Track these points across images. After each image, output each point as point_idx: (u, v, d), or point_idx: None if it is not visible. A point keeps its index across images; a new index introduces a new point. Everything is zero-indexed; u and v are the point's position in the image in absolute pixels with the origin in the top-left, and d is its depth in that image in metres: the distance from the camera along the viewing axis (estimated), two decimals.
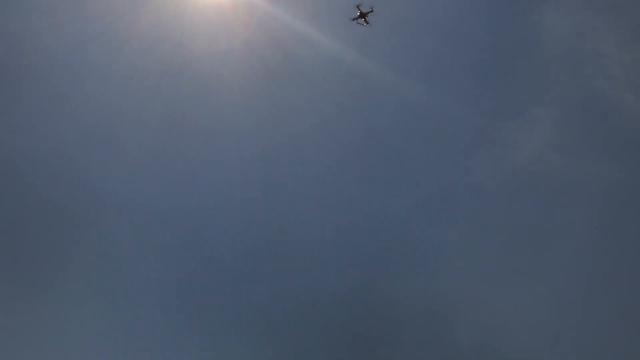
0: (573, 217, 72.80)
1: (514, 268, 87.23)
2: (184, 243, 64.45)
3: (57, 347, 56.00)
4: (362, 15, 47.58)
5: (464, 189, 69.47)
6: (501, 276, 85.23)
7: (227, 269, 63.57)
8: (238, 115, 61.31)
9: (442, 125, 65.00)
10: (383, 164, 67.75)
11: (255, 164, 63.97)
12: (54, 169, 59.92)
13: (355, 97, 61.11)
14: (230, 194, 63.51)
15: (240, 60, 54.86)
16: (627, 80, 56.82)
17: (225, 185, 63.74)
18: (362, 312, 79.13)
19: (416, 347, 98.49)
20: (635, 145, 59.61)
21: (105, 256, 62.09)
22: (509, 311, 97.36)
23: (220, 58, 55.27)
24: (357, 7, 46.77)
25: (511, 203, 72.14)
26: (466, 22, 59.99)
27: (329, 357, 74.51)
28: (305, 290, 72.70)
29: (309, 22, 51.63)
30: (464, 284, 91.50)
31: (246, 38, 52.78)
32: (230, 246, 64.89)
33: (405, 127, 65.35)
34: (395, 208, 72.56)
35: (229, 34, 53.76)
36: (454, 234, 75.45)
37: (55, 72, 56.91)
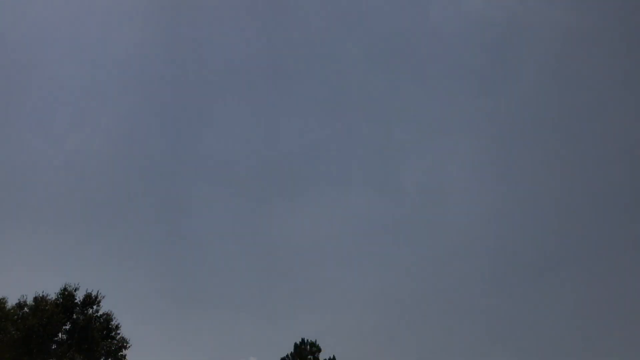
0: (525, 61, 70.44)
1: (460, 113, 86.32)
2: None
3: None
4: None
5: (421, 33, 67.64)
6: (447, 122, 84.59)
7: None
8: None
9: None
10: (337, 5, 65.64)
11: None
12: None
13: None
14: None
15: None
16: None
17: None
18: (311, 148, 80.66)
19: (364, 188, 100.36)
20: None
21: None
22: (452, 157, 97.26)
23: None
24: None
25: (466, 47, 70.10)
26: None
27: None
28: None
29: None
30: (410, 130, 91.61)
31: None
32: None
33: None
34: (349, 51, 70.87)
35: None
36: (406, 80, 74.51)
37: None
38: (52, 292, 44.08)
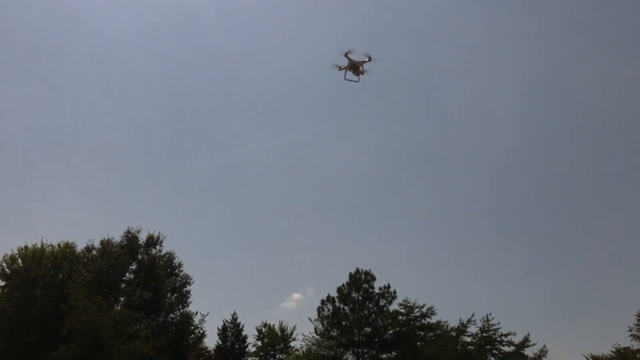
0: None
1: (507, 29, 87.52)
2: None
3: None
4: (354, 67, 33.27)
5: None
6: (494, 37, 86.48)
7: None
8: None
9: None
10: None
11: None
12: None
13: None
14: None
15: None
16: None
17: None
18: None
19: (408, 116, 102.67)
20: None
21: None
22: (498, 75, 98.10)
23: None
24: (346, 54, 32.84)
25: None
26: None
27: None
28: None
29: None
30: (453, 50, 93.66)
31: None
32: None
33: None
34: None
35: None
36: None
37: None
38: (116, 235, 46.60)
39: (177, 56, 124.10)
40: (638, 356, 42.48)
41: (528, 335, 42.90)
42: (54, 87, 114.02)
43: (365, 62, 33.35)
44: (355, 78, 33.79)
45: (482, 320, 43.92)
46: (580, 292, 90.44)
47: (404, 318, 45.05)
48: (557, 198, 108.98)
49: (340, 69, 33.57)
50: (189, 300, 46.54)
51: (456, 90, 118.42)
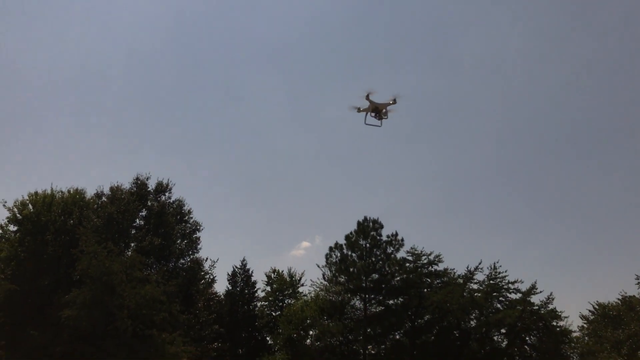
0: None
1: None
2: None
3: None
4: (376, 110, 30.87)
5: None
6: None
7: None
8: None
9: None
10: None
11: None
12: None
13: None
14: None
15: None
16: None
17: None
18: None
19: (420, 66, 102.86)
20: None
21: None
22: (510, 25, 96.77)
23: None
24: (367, 97, 30.44)
25: None
26: None
27: None
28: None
29: None
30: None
31: None
32: None
33: None
34: None
35: None
36: None
37: None
38: (125, 182, 46.72)
39: (185, 5, 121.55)
40: None
41: (535, 282, 43.13)
42: (63, 35, 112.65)
43: (389, 104, 31.00)
44: (378, 122, 31.36)
45: (489, 268, 44.16)
46: (588, 240, 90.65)
47: (411, 265, 45.37)
48: (564, 148, 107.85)
49: (360, 111, 31.13)
50: (198, 246, 46.99)
51: (468, 42, 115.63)
